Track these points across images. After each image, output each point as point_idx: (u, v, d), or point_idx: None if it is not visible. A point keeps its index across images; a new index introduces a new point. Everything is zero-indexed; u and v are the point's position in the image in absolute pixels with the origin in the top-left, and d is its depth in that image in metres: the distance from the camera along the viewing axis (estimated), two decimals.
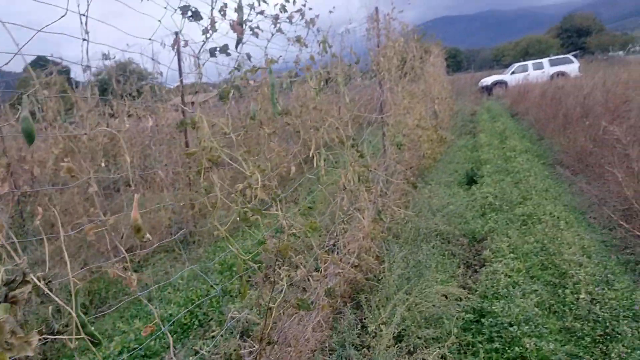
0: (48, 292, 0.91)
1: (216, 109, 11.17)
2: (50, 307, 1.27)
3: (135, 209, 1.62)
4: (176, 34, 6.68)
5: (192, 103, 8.39)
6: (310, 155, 3.19)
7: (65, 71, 7.32)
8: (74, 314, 0.98)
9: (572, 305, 3.86)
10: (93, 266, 3.57)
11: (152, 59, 4.60)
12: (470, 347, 3.54)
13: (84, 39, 1.47)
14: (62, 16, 1.38)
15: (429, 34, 16.84)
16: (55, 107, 6.27)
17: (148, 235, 1.62)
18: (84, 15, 1.46)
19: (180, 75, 6.91)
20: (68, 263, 1.21)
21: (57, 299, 0.92)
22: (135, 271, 5.93)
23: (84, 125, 6.67)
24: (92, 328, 1.24)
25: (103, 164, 6.04)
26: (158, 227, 6.58)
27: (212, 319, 4.39)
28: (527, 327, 3.53)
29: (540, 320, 3.63)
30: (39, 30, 1.30)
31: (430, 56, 12.44)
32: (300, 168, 3.93)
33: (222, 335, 3.86)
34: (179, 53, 6.83)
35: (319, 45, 3.40)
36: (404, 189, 6.59)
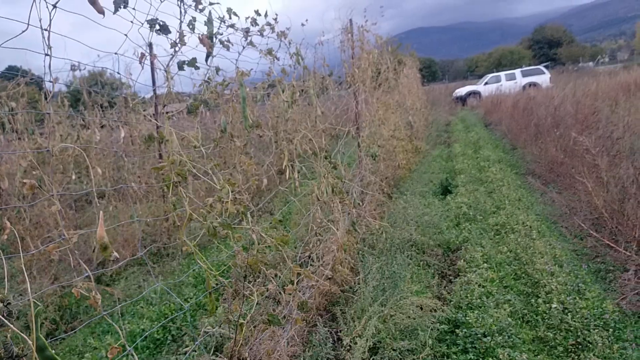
0: (2, 318, 0.88)
1: (191, 118, 11.09)
2: (14, 328, 1.23)
3: (101, 226, 1.58)
4: (150, 45, 6.64)
5: (163, 108, 8.29)
6: (283, 166, 3.18)
7: (37, 82, 7.20)
8: (29, 341, 0.95)
9: (544, 315, 3.90)
10: (64, 283, 3.48)
11: (118, 73, 4.54)
12: (445, 358, 3.54)
13: (46, 54, 1.44)
14: (23, 31, 1.35)
15: (404, 45, 17.06)
16: (24, 119, 6.14)
17: (115, 254, 1.58)
18: (46, 30, 1.43)
19: (154, 86, 6.84)
20: (28, 284, 1.17)
21: (11, 325, 0.89)
22: (108, 285, 5.81)
23: (54, 137, 6.56)
24: (53, 351, 1.20)
25: (74, 176, 5.92)
26: (131, 240, 6.47)
27: (185, 333, 4.32)
28: (500, 337, 3.55)
29: (513, 331, 3.66)
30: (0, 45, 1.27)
31: (404, 67, 12.58)
32: (275, 179, 3.91)
33: (195, 351, 3.80)
34: (152, 64, 6.76)
35: (291, 57, 3.40)
36: (379, 199, 6.60)
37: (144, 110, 9.04)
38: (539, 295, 4.21)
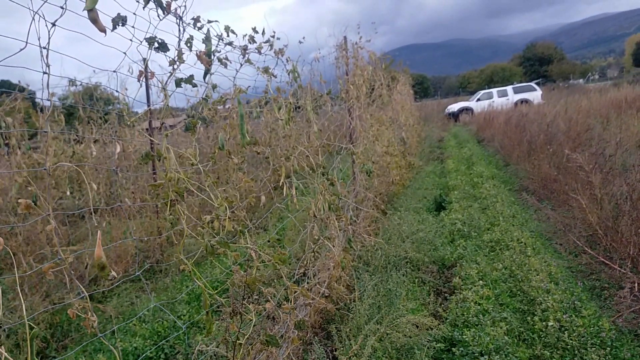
0: None
1: (185, 134, 11.09)
2: (4, 352, 1.19)
3: (99, 246, 1.56)
4: (145, 61, 6.63)
5: (160, 127, 8.29)
6: (280, 183, 3.17)
7: (30, 96, 7.18)
8: None
9: (541, 333, 3.87)
10: (59, 305, 3.43)
11: (117, 91, 4.53)
12: None
13: (44, 72, 1.42)
14: (22, 49, 1.33)
15: (396, 61, 17.17)
16: (19, 134, 6.12)
17: (113, 273, 1.55)
18: (44, 48, 1.42)
19: (149, 102, 6.85)
20: (23, 306, 1.14)
21: (4, 352, 0.86)
22: (100, 302, 5.73)
23: (48, 152, 6.52)
24: None
25: (68, 192, 5.88)
26: (124, 256, 6.41)
27: (178, 352, 4.26)
28: (497, 356, 3.52)
29: (510, 349, 3.63)
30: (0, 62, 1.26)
31: (397, 83, 12.66)
32: (270, 195, 3.90)
33: None
34: (146, 80, 6.76)
35: (289, 74, 3.41)
36: (374, 215, 6.59)
37: (137, 126, 9.02)
38: (535, 313, 4.18)
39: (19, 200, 1.25)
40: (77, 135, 7.68)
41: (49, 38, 1.41)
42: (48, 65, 1.41)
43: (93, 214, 3.59)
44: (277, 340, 2.10)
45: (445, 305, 4.67)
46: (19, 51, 1.32)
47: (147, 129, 8.20)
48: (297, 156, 3.28)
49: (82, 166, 5.04)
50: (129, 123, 7.82)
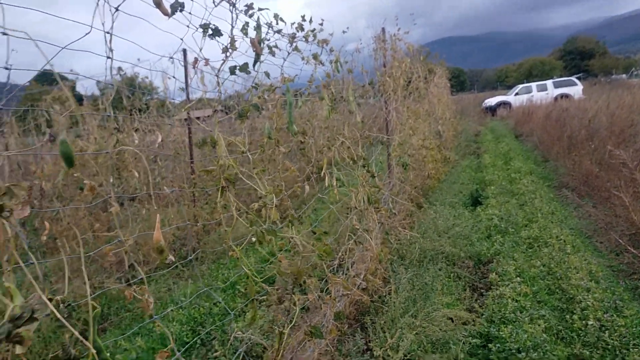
0: (65, 322, 0.88)
1: (221, 124, 11.19)
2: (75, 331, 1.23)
3: (158, 229, 1.59)
4: (184, 51, 6.67)
5: (198, 118, 8.41)
6: (322, 174, 3.17)
7: (71, 85, 7.36)
8: (88, 344, 0.95)
9: (580, 332, 3.79)
10: (103, 289, 3.52)
11: (173, 76, 4.60)
12: None
13: (108, 57, 1.45)
14: (87, 33, 1.36)
15: (433, 54, 16.96)
16: (65, 122, 6.29)
17: (171, 257, 1.59)
18: (108, 33, 1.45)
19: (187, 92, 6.94)
20: (88, 288, 1.17)
21: (73, 330, 0.89)
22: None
23: (89, 140, 6.69)
24: (108, 354, 1.20)
25: (111, 180, 6.02)
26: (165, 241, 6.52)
27: (214, 337, 4.33)
28: (535, 353, 3.47)
29: (548, 347, 3.57)
30: (64, 47, 1.29)
31: (434, 76, 12.49)
32: (312, 185, 3.91)
33: (225, 356, 3.81)
34: (185, 69, 6.86)
35: (331, 64, 3.40)
36: (409, 209, 6.55)
37: (173, 115, 9.16)
38: (574, 311, 4.10)
39: (85, 182, 1.29)
40: (117, 124, 7.84)
41: (113, 23, 1.44)
42: (111, 50, 1.45)
43: (154, 198, 3.66)
44: (321, 332, 2.11)
45: (481, 301, 4.61)
46: (84, 35, 1.36)
47: (185, 119, 8.33)
48: (338, 147, 3.29)
49: (124, 154, 5.14)
50: (171, 114, 7.95)
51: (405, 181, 6.77)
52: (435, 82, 12.47)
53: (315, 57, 2.89)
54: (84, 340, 0.92)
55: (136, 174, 5.69)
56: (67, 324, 0.93)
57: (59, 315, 0.84)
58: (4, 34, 1.13)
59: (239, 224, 2.07)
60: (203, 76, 2.23)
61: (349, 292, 3.38)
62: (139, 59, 3.42)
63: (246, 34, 2.09)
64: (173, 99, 8.20)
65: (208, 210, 7.03)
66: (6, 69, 1.06)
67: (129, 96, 7.06)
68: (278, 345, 2.04)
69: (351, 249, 4.15)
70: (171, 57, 2.18)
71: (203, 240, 7.06)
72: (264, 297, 2.24)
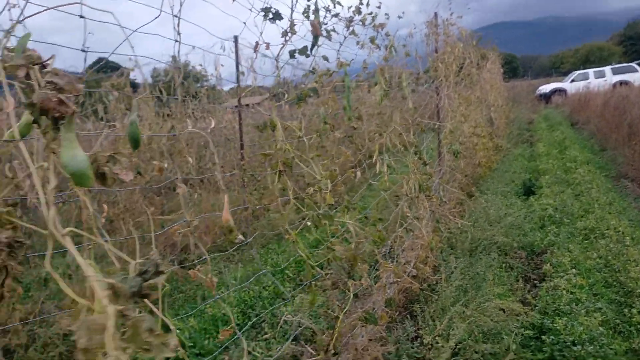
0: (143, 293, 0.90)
1: (267, 112, 11.28)
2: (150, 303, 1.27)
3: (226, 210, 1.63)
4: (235, 37, 6.73)
5: (247, 105, 8.53)
6: (374, 160, 3.15)
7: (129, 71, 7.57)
8: (165, 318, 0.98)
9: (639, 326, 3.66)
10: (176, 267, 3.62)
11: (238, 59, 4.66)
12: None
13: (176, 40, 1.48)
14: (157, 17, 1.39)
15: (485, 39, 16.52)
16: (122, 108, 6.51)
17: (240, 236, 1.62)
18: (176, 16, 1.48)
19: (238, 78, 7.02)
20: (159, 262, 1.20)
21: (153, 307, 0.92)
22: (190, 269, 6.01)
23: (144, 125, 6.90)
24: (178, 331, 1.24)
25: (166, 165, 6.19)
26: (212, 228, 6.67)
27: (264, 320, 4.40)
28: (591, 347, 3.37)
29: (605, 341, 3.45)
30: (135, 31, 1.33)
31: (486, 62, 12.19)
32: (363, 171, 3.91)
33: (274, 338, 3.87)
34: (237, 56, 6.94)
35: (386, 49, 3.36)
36: (459, 197, 6.45)
37: (223, 102, 9.31)
38: (633, 305, 3.95)
39: (154, 162, 1.31)
40: (169, 110, 8.03)
41: (181, 6, 1.46)
42: (179, 33, 1.47)
43: (222, 183, 3.73)
44: (376, 318, 2.11)
45: (534, 292, 4.51)
46: (154, 19, 1.39)
47: (236, 106, 8.44)
48: (389, 133, 3.26)
49: (180, 140, 5.27)
50: (221, 100, 8.08)
51: (455, 169, 6.66)
52: (488, 68, 12.17)
53: (372, 40, 2.86)
54: (163, 317, 0.95)
55: (190, 160, 5.83)
56: (145, 297, 0.96)
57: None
58: (81, 16, 1.17)
59: (289, 210, 2.08)
60: (277, 59, 2.24)
61: (399, 280, 3.36)
62: (193, 47, 3.48)
63: (308, 17, 2.08)
64: (222, 88, 8.33)
65: (257, 196, 7.13)
66: (83, 51, 1.10)
67: (183, 82, 7.21)
68: (334, 330, 2.05)
69: (401, 237, 4.13)
70: (236, 37, 2.19)
71: (252, 225, 7.17)
72: (317, 281, 2.26)
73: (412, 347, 3.50)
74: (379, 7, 3.05)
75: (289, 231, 1.99)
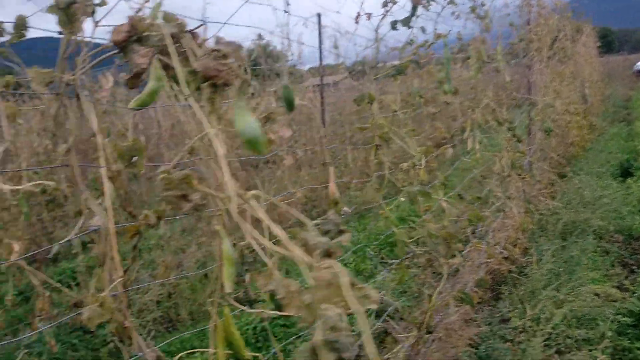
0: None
1: (347, 90, 11.25)
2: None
3: (332, 183, 1.65)
4: (318, 15, 6.72)
5: (328, 84, 8.54)
6: (465, 137, 3.06)
7: None
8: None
9: None
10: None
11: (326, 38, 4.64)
12: (627, 352, 3.24)
13: (285, 11, 1.49)
14: (247, 1, 1.40)
15: (580, 11, 15.52)
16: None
17: (346, 208, 1.64)
18: None
19: (320, 57, 7.03)
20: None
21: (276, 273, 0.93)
22: (275, 244, 6.24)
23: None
24: None
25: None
26: (293, 204, 6.78)
27: None
28: None
29: None
30: (247, 1, 1.34)
31: (581, 35, 11.46)
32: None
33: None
34: (320, 34, 6.94)
35: (482, 20, 3.22)
36: (550, 178, 6.16)
37: (304, 82, 9.36)
38: None
39: (270, 136, 1.32)
40: (254, 89, 8.17)
41: None
42: (288, 4, 1.48)
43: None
44: (472, 299, 2.07)
45: (632, 278, 4.26)
46: (245, 2, 1.40)
47: (317, 85, 8.47)
48: (482, 109, 3.14)
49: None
50: (302, 79, 8.13)
51: (547, 148, 6.36)
52: (583, 41, 11.44)
53: (473, 9, 2.75)
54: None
55: (287, 133, 5.92)
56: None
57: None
58: None
59: (384, 185, 2.07)
60: (376, 30, 2.21)
61: (488, 260, 3.27)
62: (277, 26, 3.50)
63: None
64: (301, 66, 8.36)
65: (338, 174, 7.16)
66: (202, 22, 1.12)
67: (267, 62, 7.33)
68: (429, 308, 2.03)
69: (488, 217, 4.02)
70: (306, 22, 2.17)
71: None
72: (409, 259, 2.25)
73: (504, 330, 3.43)
74: None
75: (382, 206, 1.97)
